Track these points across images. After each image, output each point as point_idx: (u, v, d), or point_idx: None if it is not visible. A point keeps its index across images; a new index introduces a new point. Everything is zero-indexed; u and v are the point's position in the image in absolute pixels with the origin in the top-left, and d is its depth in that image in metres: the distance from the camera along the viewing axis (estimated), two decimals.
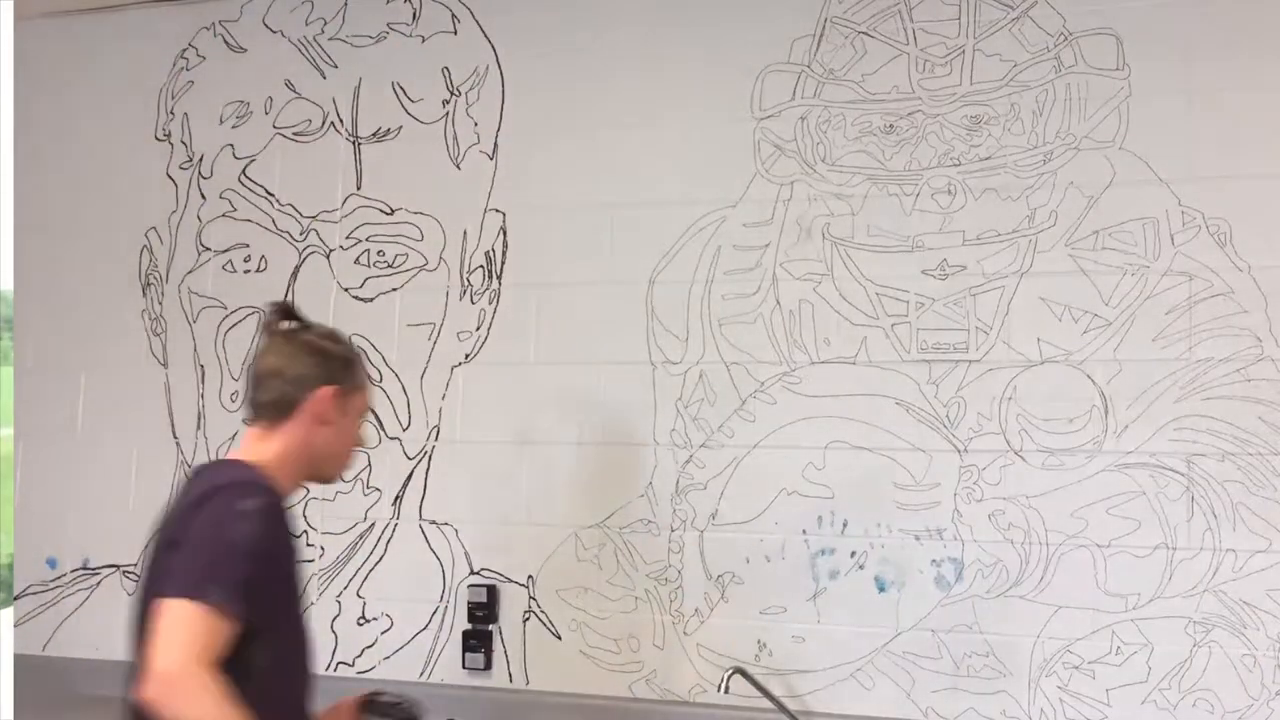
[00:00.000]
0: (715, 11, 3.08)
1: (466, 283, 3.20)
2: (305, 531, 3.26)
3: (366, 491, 3.22)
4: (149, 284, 3.45)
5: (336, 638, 3.19)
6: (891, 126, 2.91)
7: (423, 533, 3.17)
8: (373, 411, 3.23)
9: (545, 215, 3.15)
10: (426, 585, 3.14)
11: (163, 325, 3.43)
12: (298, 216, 3.36)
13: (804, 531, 2.87)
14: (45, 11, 3.58)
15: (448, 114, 3.27)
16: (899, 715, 2.76)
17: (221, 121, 3.41)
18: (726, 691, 2.82)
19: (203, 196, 3.45)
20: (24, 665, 3.19)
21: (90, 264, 3.50)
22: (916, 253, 2.87)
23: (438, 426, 3.18)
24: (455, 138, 3.25)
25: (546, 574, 3.05)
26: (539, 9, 3.23)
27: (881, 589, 2.82)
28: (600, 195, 3.11)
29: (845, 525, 2.85)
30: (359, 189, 3.32)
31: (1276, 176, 2.67)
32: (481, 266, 3.20)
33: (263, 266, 3.36)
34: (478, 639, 3.07)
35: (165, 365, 3.43)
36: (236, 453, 2.19)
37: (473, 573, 3.11)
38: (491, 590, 3.08)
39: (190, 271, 3.42)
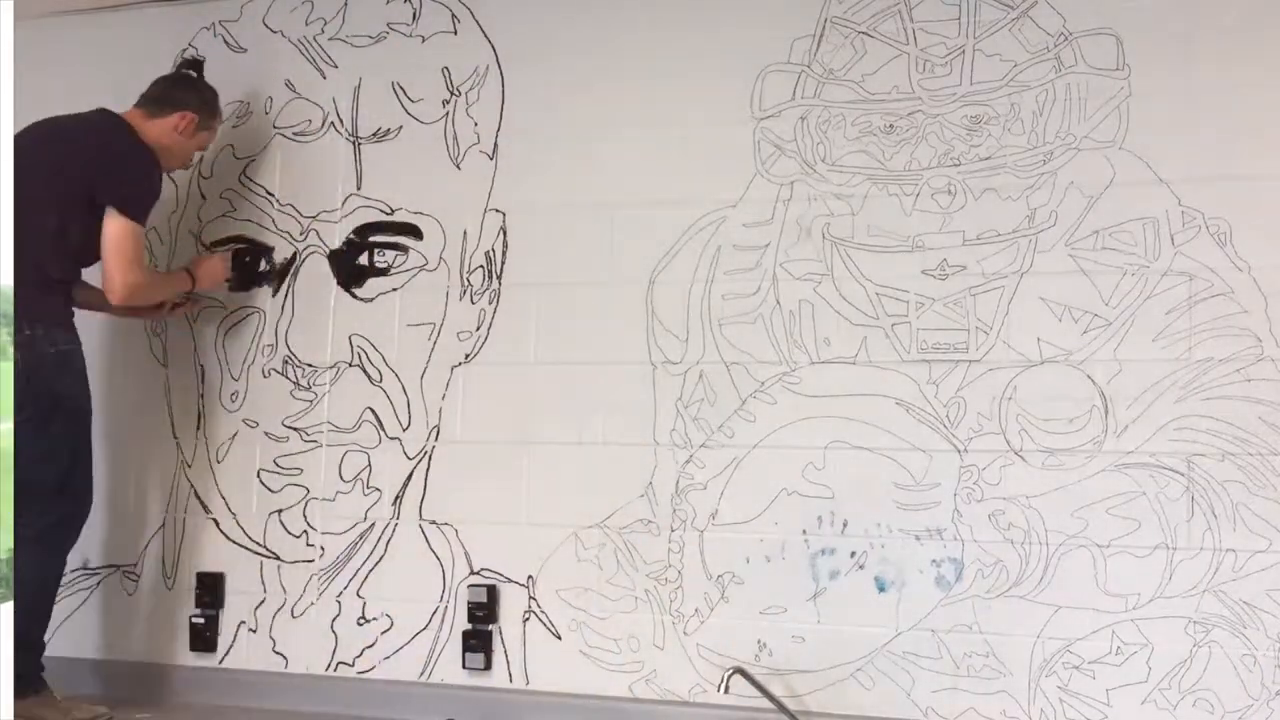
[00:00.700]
0: (715, 12, 3.08)
1: (466, 283, 3.20)
2: (305, 531, 3.27)
3: (366, 491, 3.22)
4: None
5: (336, 638, 3.20)
6: (891, 126, 2.91)
7: (423, 533, 3.17)
8: (373, 411, 3.24)
9: (545, 215, 3.15)
10: (426, 585, 3.14)
11: (163, 325, 3.43)
12: (298, 216, 3.36)
13: (804, 531, 2.87)
14: (45, 11, 3.58)
15: (448, 114, 3.27)
16: (899, 715, 2.76)
17: (222, 121, 3.41)
18: (726, 691, 2.82)
19: (203, 196, 3.46)
20: None
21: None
22: (916, 253, 2.87)
23: (438, 426, 3.18)
24: (455, 138, 3.25)
25: (546, 574, 3.05)
26: (539, 9, 3.23)
27: (881, 589, 2.82)
28: (600, 195, 3.11)
29: (845, 525, 2.85)
30: (359, 189, 3.32)
31: (1276, 176, 2.67)
32: (481, 266, 3.20)
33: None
34: (478, 639, 3.07)
35: (165, 365, 3.43)
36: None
37: (473, 573, 3.11)
38: (491, 590, 3.08)
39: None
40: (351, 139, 3.34)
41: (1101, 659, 2.66)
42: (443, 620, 3.12)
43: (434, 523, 3.16)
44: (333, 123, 3.37)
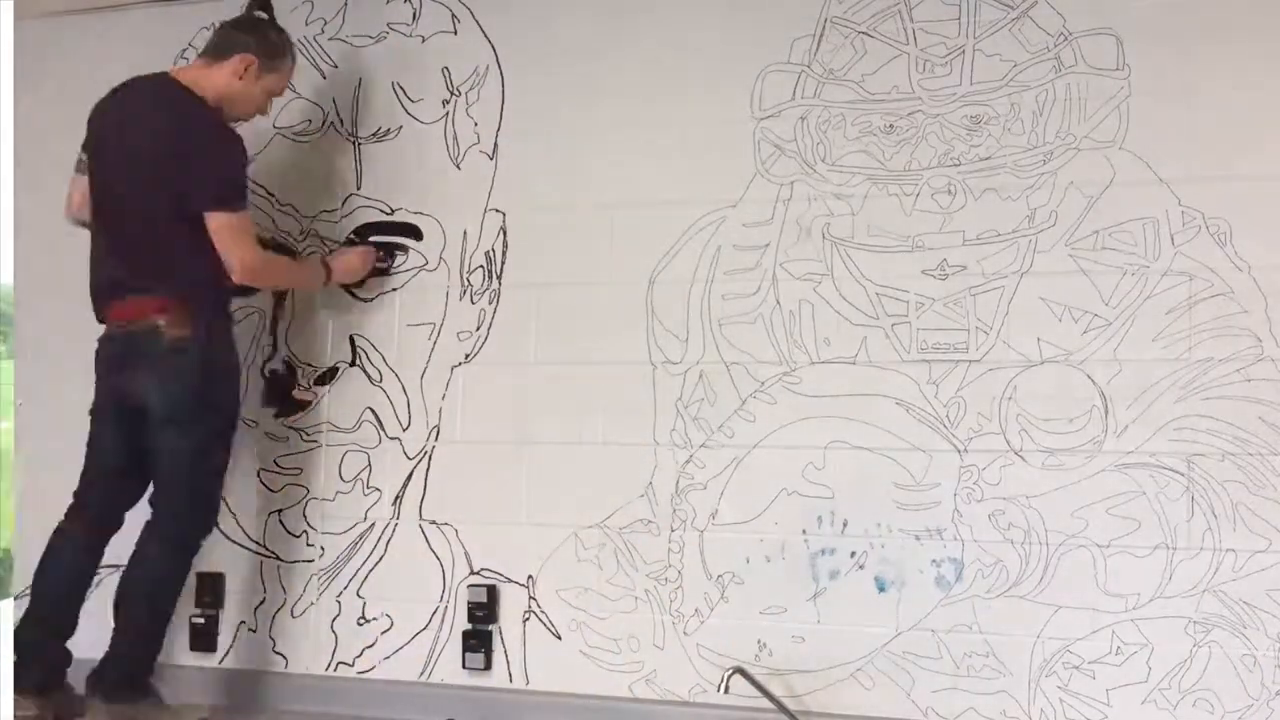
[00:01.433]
0: (715, 12, 3.08)
1: (466, 283, 3.20)
2: (305, 531, 3.27)
3: (366, 491, 3.22)
4: None
5: (336, 638, 3.20)
6: (891, 126, 2.91)
7: (423, 533, 3.17)
8: (373, 411, 3.24)
9: (545, 215, 3.15)
10: (426, 585, 3.14)
11: None
12: (298, 216, 3.36)
13: (804, 531, 2.87)
14: (45, 11, 3.58)
15: (448, 114, 3.27)
16: (899, 715, 2.76)
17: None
18: (726, 691, 2.82)
19: None
20: None
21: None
22: (916, 253, 2.87)
23: (438, 426, 3.18)
24: (455, 138, 3.25)
25: (546, 574, 3.05)
26: (539, 9, 3.23)
27: (881, 589, 2.82)
28: (600, 195, 3.11)
29: (845, 525, 2.85)
30: (359, 189, 3.32)
31: (1276, 177, 2.67)
32: (481, 266, 3.20)
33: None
34: (478, 639, 3.07)
35: None
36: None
37: (473, 573, 3.11)
38: (491, 590, 3.08)
39: None
40: (351, 139, 3.34)
41: (1101, 659, 2.66)
42: (443, 620, 3.12)
43: (434, 523, 3.16)
44: (333, 123, 3.37)
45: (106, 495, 2.99)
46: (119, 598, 2.95)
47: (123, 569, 2.96)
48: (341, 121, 3.36)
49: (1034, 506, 2.73)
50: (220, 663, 3.29)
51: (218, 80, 3.01)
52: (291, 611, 3.25)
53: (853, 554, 2.84)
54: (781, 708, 2.79)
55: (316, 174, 3.36)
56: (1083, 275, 2.76)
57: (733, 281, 2.99)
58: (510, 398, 3.13)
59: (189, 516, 3.00)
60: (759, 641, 2.88)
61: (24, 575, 3.36)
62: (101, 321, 3.01)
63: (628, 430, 3.01)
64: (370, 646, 3.17)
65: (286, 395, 3.31)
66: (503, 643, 3.07)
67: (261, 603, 3.28)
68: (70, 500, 3.01)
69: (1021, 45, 2.85)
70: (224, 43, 3.05)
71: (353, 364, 3.27)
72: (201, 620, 3.29)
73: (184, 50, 3.45)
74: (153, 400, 2.89)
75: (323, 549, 3.24)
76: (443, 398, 3.19)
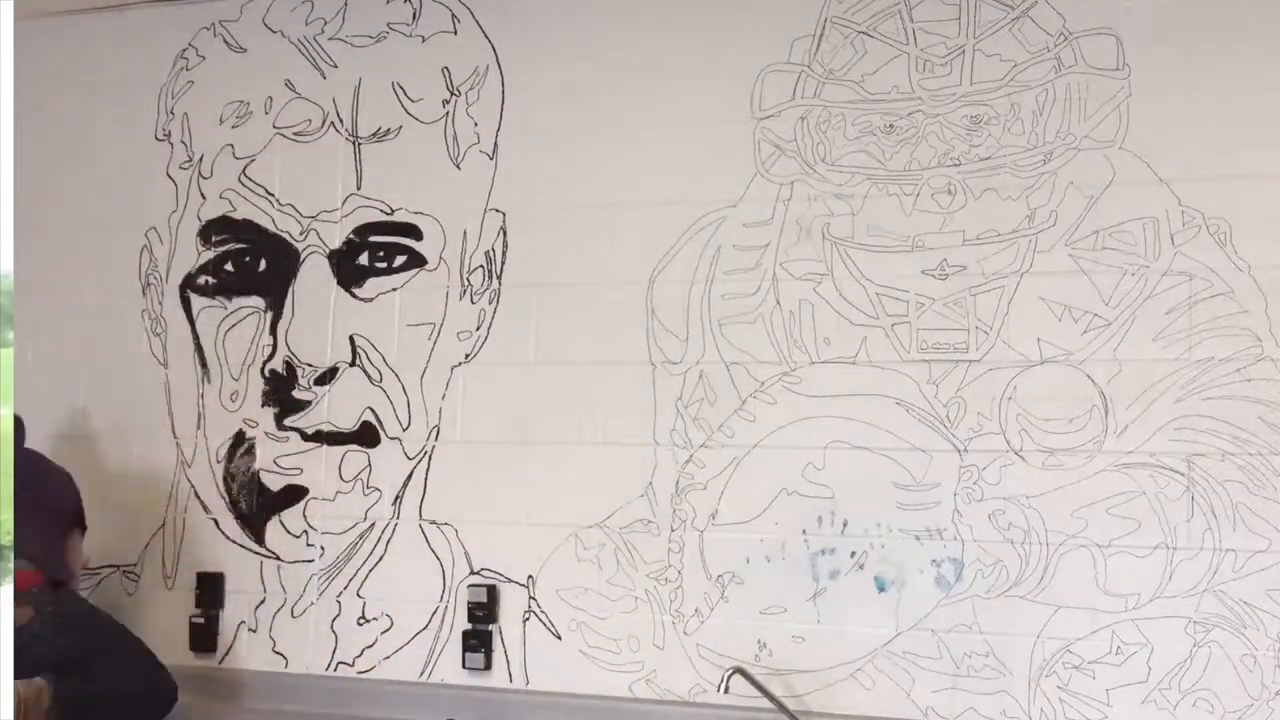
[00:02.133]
0: (715, 11, 3.08)
1: (466, 283, 3.20)
2: (305, 531, 3.27)
3: (366, 491, 3.22)
4: (149, 284, 3.46)
5: (336, 638, 3.20)
6: (891, 126, 2.91)
7: (423, 533, 3.17)
8: (373, 411, 3.24)
9: (545, 215, 3.15)
10: (426, 585, 3.14)
11: (163, 325, 3.44)
12: (298, 216, 3.36)
13: (804, 531, 2.87)
14: (45, 11, 3.58)
15: (448, 114, 3.27)
16: (899, 715, 2.76)
17: (221, 121, 3.41)
18: (726, 691, 2.82)
19: (203, 196, 3.45)
20: None
21: (90, 264, 3.51)
22: (916, 253, 2.87)
23: (438, 426, 3.18)
24: (455, 138, 3.25)
25: (546, 574, 3.05)
26: (539, 9, 3.23)
27: (881, 589, 2.82)
28: (600, 195, 3.11)
29: (845, 525, 2.85)
30: (359, 189, 3.32)
31: (1276, 176, 2.67)
32: (481, 266, 3.20)
33: (262, 267, 3.37)
34: (478, 639, 3.07)
35: (165, 365, 3.43)
36: None
37: (473, 573, 3.11)
38: (491, 590, 3.08)
39: (190, 272, 3.42)
40: (351, 139, 3.34)
41: (1101, 659, 2.66)
42: (443, 620, 3.12)
43: (434, 523, 3.16)
44: (333, 123, 3.37)
45: None
46: None
47: None
48: (341, 121, 3.36)
49: (1034, 506, 2.73)
50: (220, 663, 3.29)
51: None
52: (291, 611, 3.25)
53: (853, 554, 2.84)
54: (781, 708, 2.79)
55: (316, 174, 3.35)
56: (1083, 275, 2.76)
57: (733, 281, 2.99)
58: (510, 398, 3.13)
59: None
60: (759, 641, 2.88)
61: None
62: None
63: (628, 430, 3.01)
64: (370, 646, 3.17)
65: (286, 395, 3.31)
66: (503, 643, 3.07)
67: (261, 603, 3.28)
68: None
69: (1021, 45, 2.85)
70: None
71: (353, 364, 3.27)
72: (201, 620, 3.29)
73: (184, 50, 3.45)
74: None
75: (323, 549, 3.24)
76: (443, 398, 3.19)
